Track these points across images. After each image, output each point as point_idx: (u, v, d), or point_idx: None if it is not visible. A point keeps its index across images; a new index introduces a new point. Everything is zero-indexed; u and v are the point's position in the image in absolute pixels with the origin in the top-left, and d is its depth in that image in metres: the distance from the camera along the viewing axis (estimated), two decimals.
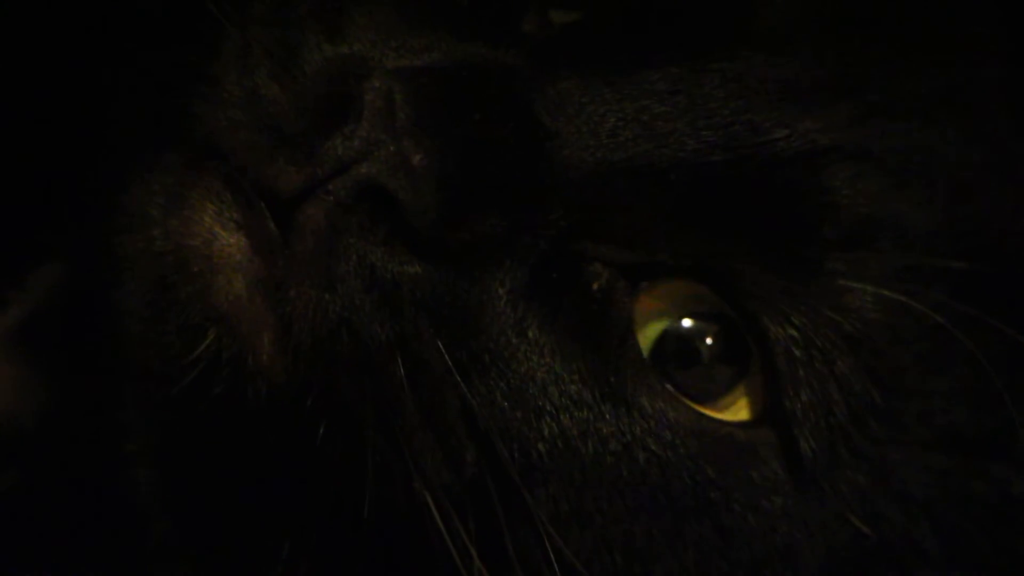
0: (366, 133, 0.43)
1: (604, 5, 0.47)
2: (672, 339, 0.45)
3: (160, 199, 0.45)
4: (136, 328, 0.46)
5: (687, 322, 0.45)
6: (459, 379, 0.43)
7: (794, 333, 0.44)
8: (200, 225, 0.44)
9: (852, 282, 0.45)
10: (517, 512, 0.43)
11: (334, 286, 0.43)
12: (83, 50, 0.52)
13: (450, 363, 0.43)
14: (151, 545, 0.48)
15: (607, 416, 0.44)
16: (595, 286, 0.44)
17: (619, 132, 0.45)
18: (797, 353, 0.44)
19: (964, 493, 0.46)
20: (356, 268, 0.43)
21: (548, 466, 0.43)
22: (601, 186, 0.44)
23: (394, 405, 0.43)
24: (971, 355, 0.45)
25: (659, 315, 0.45)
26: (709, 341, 0.45)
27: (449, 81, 0.44)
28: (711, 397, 0.45)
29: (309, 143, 0.43)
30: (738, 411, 0.45)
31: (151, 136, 0.47)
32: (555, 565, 0.43)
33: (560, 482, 0.43)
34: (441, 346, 0.43)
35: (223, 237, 0.44)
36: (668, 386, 0.45)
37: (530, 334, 0.44)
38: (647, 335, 0.45)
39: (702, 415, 0.44)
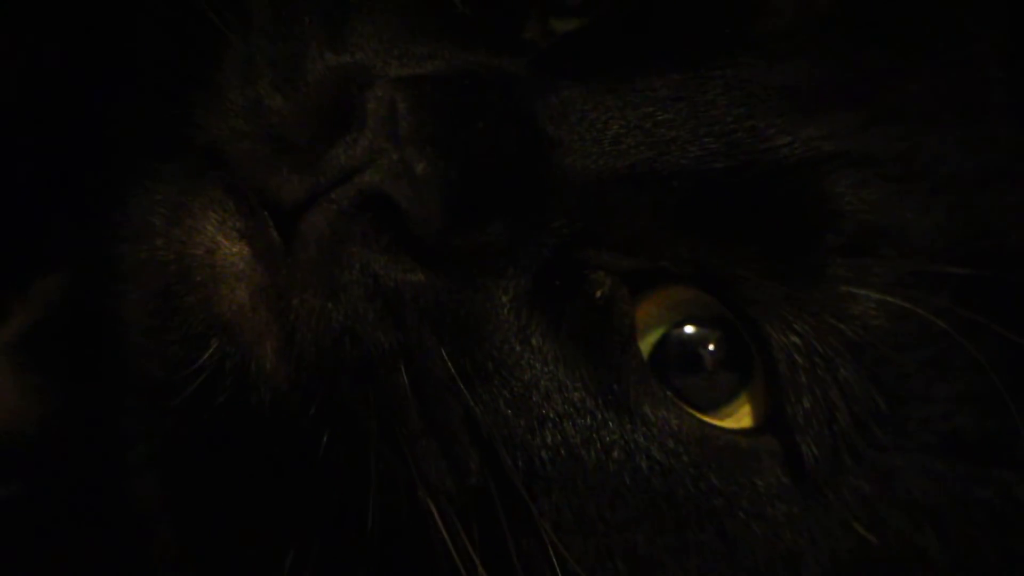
0: (369, 142, 0.43)
1: (605, 13, 0.47)
2: (674, 345, 0.45)
3: (163, 208, 0.45)
4: (139, 337, 0.46)
5: (689, 328, 0.45)
6: (463, 387, 0.43)
7: (796, 340, 0.44)
8: (203, 234, 0.44)
9: (855, 288, 0.45)
10: (521, 520, 0.43)
11: (337, 294, 0.43)
12: (86, 60, 0.52)
13: (453, 371, 0.43)
14: (154, 554, 0.48)
15: (610, 424, 0.44)
16: (598, 294, 0.44)
17: (622, 140, 0.45)
18: (799, 360, 0.44)
19: (968, 499, 0.46)
20: (359, 276, 0.43)
21: (551, 474, 0.43)
22: (604, 194, 0.44)
23: (398, 413, 0.43)
24: (974, 360, 0.45)
25: (659, 321, 0.46)
26: (712, 347, 0.45)
27: (452, 89, 0.44)
28: (714, 404, 0.45)
29: (312, 152, 0.43)
30: (741, 418, 0.45)
31: (154, 146, 0.47)
32: (559, 573, 0.43)
33: (563, 490, 0.43)
34: (444, 354, 0.43)
35: (226, 246, 0.44)
36: (670, 394, 0.45)
37: (533, 342, 0.44)
38: (648, 341, 0.45)
39: (704, 423, 0.44)
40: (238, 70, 0.45)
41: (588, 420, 0.44)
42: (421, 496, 0.42)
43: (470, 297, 0.43)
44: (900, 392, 0.45)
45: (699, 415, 0.45)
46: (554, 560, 0.42)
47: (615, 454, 0.43)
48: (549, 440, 0.43)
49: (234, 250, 0.44)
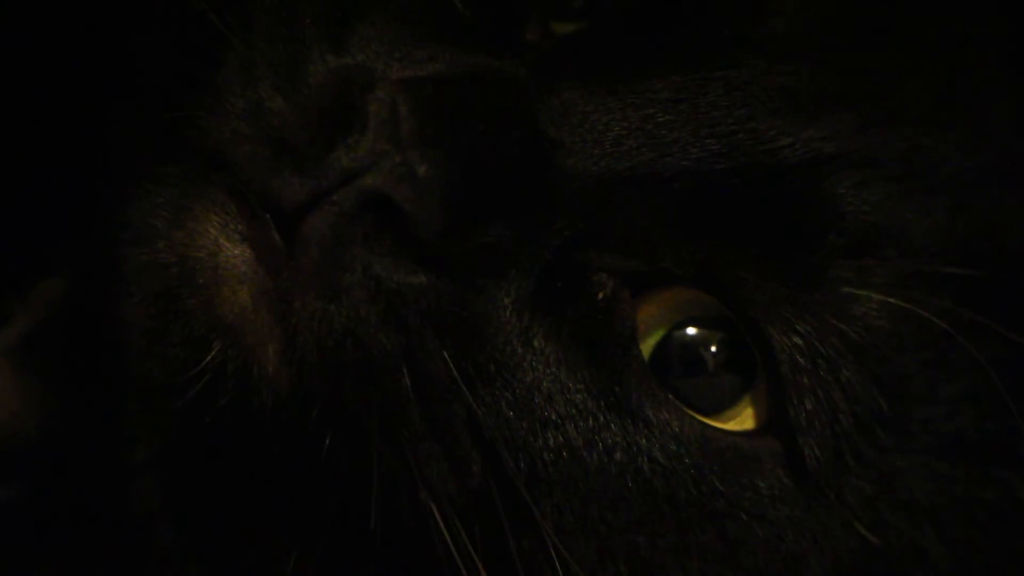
0: (371, 144, 0.43)
1: (606, 15, 0.47)
2: (676, 347, 0.45)
3: (164, 211, 0.45)
4: (141, 340, 0.46)
5: (691, 330, 0.45)
6: (465, 389, 0.43)
7: (798, 341, 0.44)
8: (205, 237, 0.44)
9: (857, 290, 0.45)
10: (522, 522, 0.43)
11: (339, 297, 0.43)
12: (87, 63, 0.52)
13: (456, 373, 0.43)
14: (155, 556, 0.48)
15: (612, 426, 0.44)
16: (599, 296, 0.44)
17: (623, 141, 0.45)
18: (801, 361, 0.44)
19: (970, 499, 0.46)
20: (361, 279, 0.43)
21: (553, 476, 0.43)
22: (605, 195, 0.44)
23: (400, 415, 0.43)
24: (976, 361, 0.45)
25: (660, 322, 0.46)
26: (713, 349, 0.45)
27: (453, 92, 0.44)
28: (716, 406, 0.45)
29: (314, 154, 0.43)
30: (743, 421, 0.45)
31: (155, 148, 0.47)
32: (560, 575, 0.43)
33: (565, 492, 0.43)
34: (447, 356, 0.43)
35: (228, 249, 0.44)
36: (671, 396, 0.45)
37: (535, 344, 0.44)
38: (649, 343, 0.46)
39: (706, 425, 0.44)
40: (239, 72, 0.45)
41: (590, 422, 0.44)
42: (423, 498, 0.43)
43: (472, 299, 0.43)
44: (902, 393, 0.45)
45: (700, 417, 0.45)
46: (556, 562, 0.43)
47: (617, 456, 0.43)
48: (551, 442, 0.43)
49: (236, 253, 0.44)
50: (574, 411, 0.44)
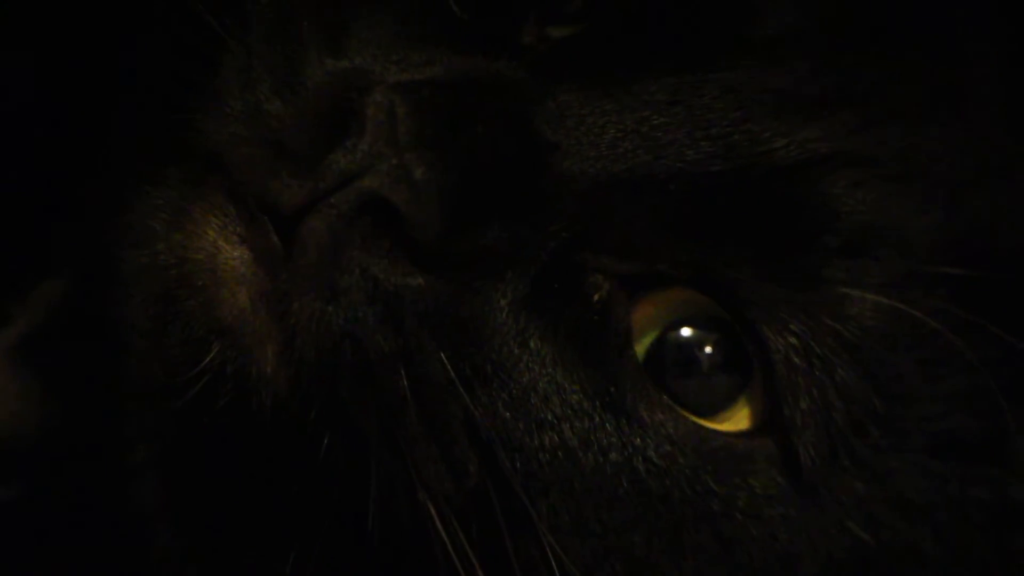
0: (368, 146, 0.43)
1: (602, 18, 0.47)
2: (672, 348, 0.45)
3: (163, 213, 0.45)
4: (140, 341, 0.46)
5: (686, 331, 0.46)
6: (462, 390, 0.43)
7: (794, 341, 0.45)
8: (203, 239, 0.44)
9: (851, 290, 0.45)
10: (519, 522, 0.43)
11: (337, 298, 0.43)
12: (85, 65, 0.52)
13: (453, 374, 0.43)
14: (154, 556, 0.48)
15: (607, 427, 0.44)
16: (595, 297, 0.45)
17: (619, 143, 0.45)
18: (797, 361, 0.45)
19: (962, 497, 0.46)
20: (359, 280, 0.43)
21: (549, 476, 0.43)
22: (601, 197, 0.45)
23: (397, 416, 0.43)
24: (969, 361, 0.45)
25: (655, 323, 0.46)
26: (708, 350, 0.46)
27: (450, 94, 0.44)
28: (712, 407, 0.45)
29: (312, 157, 0.43)
30: (738, 421, 0.45)
31: (154, 151, 0.47)
32: (556, 574, 0.43)
33: (561, 492, 0.44)
34: (444, 357, 0.43)
35: (226, 250, 0.44)
36: (665, 397, 0.45)
37: (532, 345, 0.44)
38: (644, 343, 0.46)
39: (700, 426, 0.45)
40: (237, 75, 0.45)
41: (586, 423, 0.44)
42: (421, 498, 0.43)
43: (469, 300, 0.44)
44: (896, 392, 0.45)
45: (694, 418, 0.45)
46: (552, 561, 0.43)
47: (612, 456, 0.44)
48: (547, 442, 0.44)
49: (235, 254, 0.44)
50: (570, 412, 0.44)
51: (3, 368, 0.52)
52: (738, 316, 0.45)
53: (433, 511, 0.43)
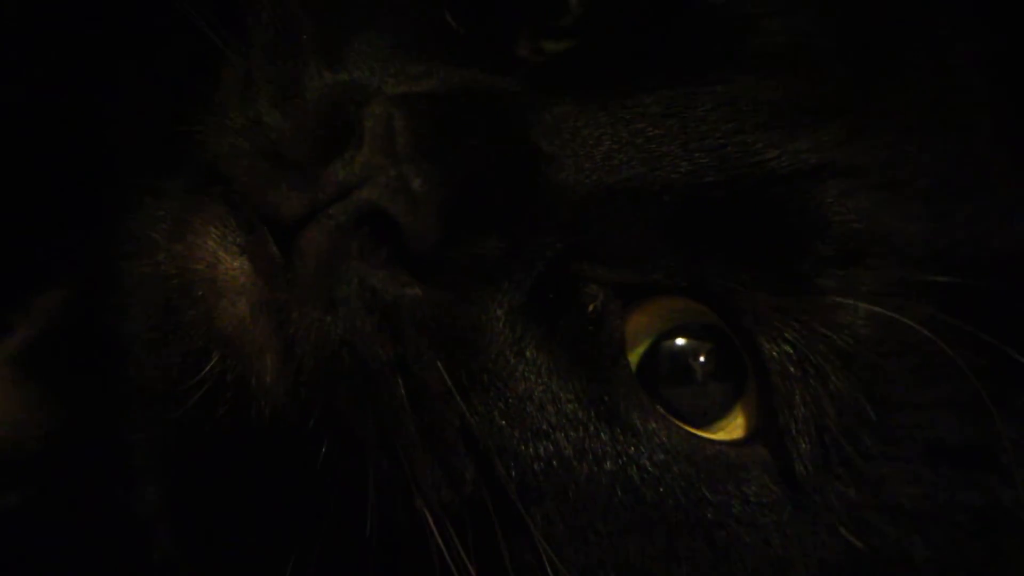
0: (366, 158, 0.43)
1: (596, 33, 0.48)
2: (666, 357, 0.46)
3: (164, 224, 0.46)
4: (141, 351, 0.46)
5: (680, 340, 0.46)
6: (459, 399, 0.43)
7: (789, 350, 0.45)
8: (204, 249, 0.44)
9: (844, 298, 0.45)
10: (515, 529, 0.43)
11: (335, 308, 0.43)
12: (88, 78, 0.52)
13: (450, 383, 0.43)
14: (155, 563, 0.49)
15: (602, 436, 0.44)
16: (590, 308, 0.45)
17: (614, 155, 0.45)
18: (792, 370, 0.45)
19: (953, 503, 0.46)
20: (357, 290, 0.43)
21: (544, 484, 0.44)
22: (597, 208, 0.45)
23: (395, 424, 0.43)
24: (959, 368, 0.45)
25: (649, 331, 0.46)
26: (702, 359, 0.46)
27: (447, 107, 0.44)
28: (706, 416, 0.46)
29: (310, 168, 0.44)
30: (733, 430, 0.46)
31: (155, 163, 0.48)
32: None
33: (556, 500, 0.44)
34: (441, 366, 0.43)
35: (226, 261, 0.44)
36: (659, 407, 0.45)
37: (528, 354, 0.44)
38: (638, 352, 0.46)
39: (693, 435, 0.45)
40: (238, 88, 0.46)
41: (580, 432, 0.44)
42: (418, 505, 0.43)
43: (466, 310, 0.44)
44: (888, 400, 0.46)
45: (687, 427, 0.45)
46: (548, 568, 0.43)
47: (607, 465, 0.44)
48: (542, 451, 0.44)
49: (235, 265, 0.44)
50: (565, 421, 0.44)
51: (5, 377, 0.52)
52: (733, 325, 0.46)
53: (430, 518, 0.43)
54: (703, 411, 0.46)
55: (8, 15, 0.52)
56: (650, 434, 0.44)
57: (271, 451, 0.44)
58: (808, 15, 0.48)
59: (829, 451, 0.45)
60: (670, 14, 0.47)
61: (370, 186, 0.43)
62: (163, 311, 0.45)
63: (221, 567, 0.47)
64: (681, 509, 0.44)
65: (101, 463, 0.50)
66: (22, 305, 0.53)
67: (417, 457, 0.43)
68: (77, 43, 0.52)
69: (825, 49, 0.48)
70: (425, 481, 0.43)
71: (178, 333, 0.44)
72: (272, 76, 0.45)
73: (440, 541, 0.43)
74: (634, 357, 0.46)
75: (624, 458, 0.44)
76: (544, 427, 0.44)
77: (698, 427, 0.45)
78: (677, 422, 0.45)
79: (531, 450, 0.44)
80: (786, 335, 0.45)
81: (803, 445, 0.45)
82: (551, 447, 0.44)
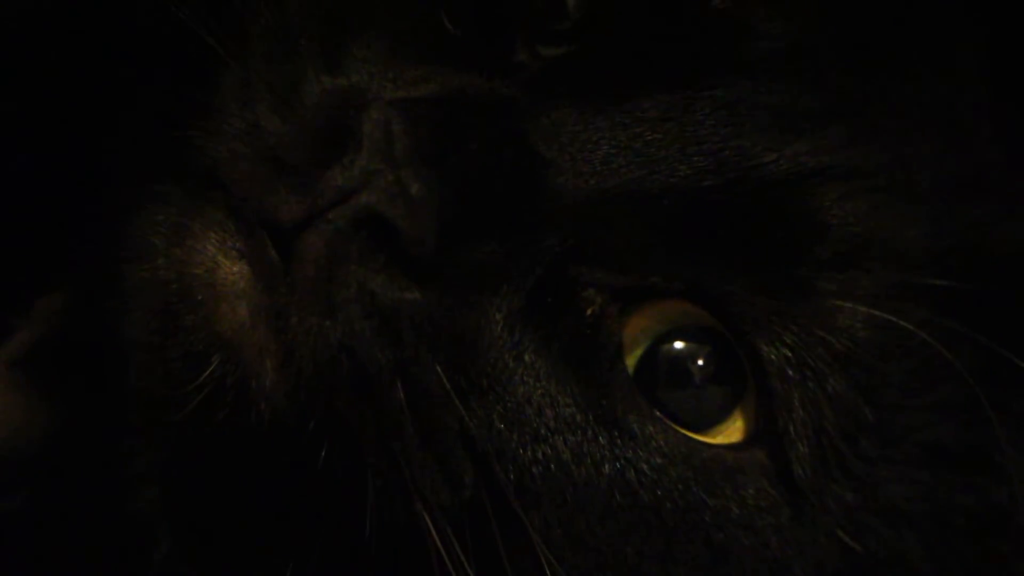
0: (365, 163, 0.43)
1: (594, 38, 0.48)
2: (664, 361, 0.46)
3: (164, 229, 0.46)
4: (141, 355, 0.46)
5: (679, 344, 0.46)
6: (457, 402, 0.43)
7: (788, 353, 0.45)
8: (203, 254, 0.45)
9: (842, 301, 0.46)
10: (513, 532, 0.43)
11: (335, 313, 0.43)
12: (87, 83, 0.52)
13: (449, 387, 0.43)
14: (155, 565, 0.49)
15: (600, 440, 0.45)
16: (588, 312, 0.45)
17: (612, 159, 0.45)
18: (791, 373, 0.45)
19: (949, 505, 0.47)
20: (356, 295, 0.43)
21: (543, 488, 0.44)
22: (595, 212, 0.45)
23: (394, 428, 0.43)
24: (956, 371, 0.46)
25: (647, 334, 0.46)
26: (700, 362, 0.46)
27: (446, 111, 0.45)
28: (704, 419, 0.46)
29: (309, 173, 0.44)
30: (731, 434, 0.46)
31: (154, 168, 0.48)
32: None
33: (554, 503, 0.44)
34: (440, 370, 0.43)
35: (226, 266, 0.44)
36: (656, 411, 0.45)
37: (526, 358, 0.45)
38: (636, 355, 0.46)
39: (690, 439, 0.45)
40: (236, 94, 0.46)
41: (578, 435, 0.44)
42: (417, 508, 0.43)
43: (465, 314, 0.44)
44: (886, 402, 0.46)
45: (684, 431, 0.45)
46: (546, 571, 0.43)
47: (605, 468, 0.44)
48: (540, 455, 0.44)
49: (234, 269, 0.44)
50: (563, 424, 0.44)
51: (6, 380, 0.53)
52: (732, 328, 0.46)
53: (429, 521, 0.43)
54: (702, 415, 0.46)
55: (9, 22, 0.52)
56: (647, 438, 0.45)
57: (271, 454, 0.44)
58: (807, 20, 0.48)
59: (827, 453, 0.45)
60: (669, 19, 0.47)
61: (369, 191, 0.43)
62: (163, 315, 0.45)
63: (221, 569, 0.47)
64: (679, 512, 0.44)
65: (101, 466, 0.50)
66: (23, 308, 0.53)
67: (416, 460, 0.43)
68: (78, 49, 0.53)
69: (823, 54, 0.48)
70: (424, 484, 0.43)
71: (178, 337, 0.45)
72: (271, 81, 0.46)
73: (439, 543, 0.43)
74: (632, 360, 0.46)
75: (622, 462, 0.44)
76: (542, 431, 0.44)
77: (697, 430, 0.46)
78: (674, 426, 0.45)
79: (529, 453, 0.44)
80: (785, 338, 0.45)
81: (801, 448, 0.45)
82: (549, 450, 0.44)
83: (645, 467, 0.44)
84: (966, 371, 0.46)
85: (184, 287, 0.45)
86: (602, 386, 0.45)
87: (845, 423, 0.45)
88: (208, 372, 0.44)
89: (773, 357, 0.45)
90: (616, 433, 0.45)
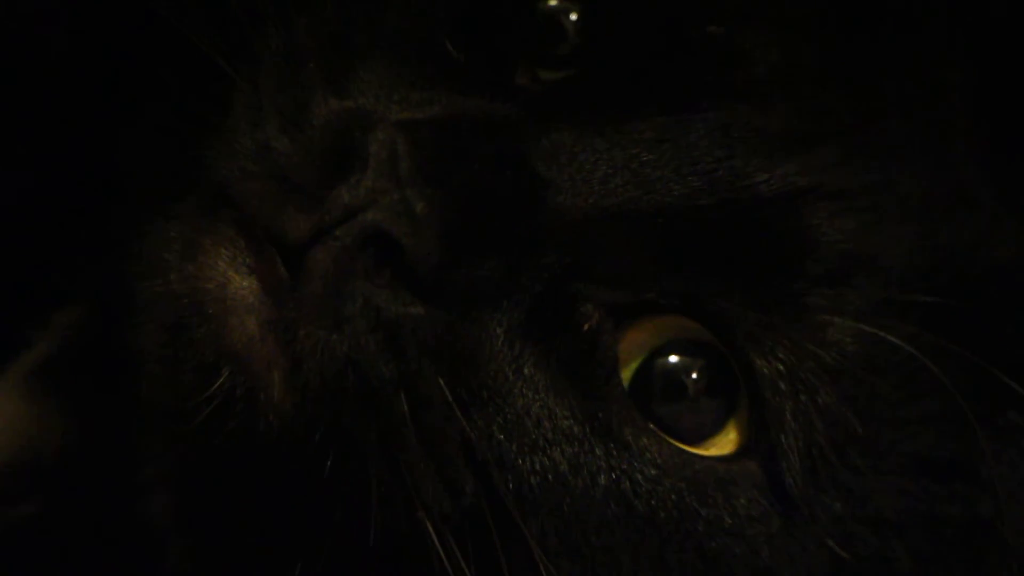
0: (371, 182, 0.44)
1: (592, 62, 0.49)
2: (659, 374, 0.47)
3: (176, 245, 0.47)
4: (154, 367, 0.47)
5: (673, 358, 0.47)
6: (459, 414, 0.44)
7: (780, 367, 0.46)
8: (214, 269, 0.45)
9: (832, 316, 0.47)
10: (513, 540, 0.44)
11: (341, 327, 0.44)
12: (102, 103, 0.53)
13: (451, 399, 0.44)
14: (166, 572, 0.49)
15: (596, 451, 0.45)
16: (585, 327, 0.46)
17: (610, 179, 0.46)
18: (783, 386, 0.46)
19: (935, 516, 0.48)
20: (362, 309, 0.44)
21: (540, 497, 0.45)
22: (593, 230, 0.46)
23: (397, 439, 0.44)
24: (941, 384, 0.46)
25: (642, 348, 0.47)
26: (695, 376, 0.47)
27: (449, 133, 0.45)
28: (699, 432, 0.47)
29: (317, 192, 0.45)
30: (724, 446, 0.47)
31: (167, 186, 0.48)
32: None
33: (551, 513, 0.45)
34: (442, 383, 0.44)
35: (236, 281, 0.45)
36: (650, 424, 0.46)
37: (526, 371, 0.45)
38: (631, 368, 0.47)
39: (683, 451, 0.46)
40: (247, 114, 0.47)
41: (575, 447, 0.45)
42: (419, 516, 0.44)
43: (467, 329, 0.45)
44: (874, 415, 0.47)
45: (678, 444, 0.46)
46: None
47: (601, 480, 0.45)
48: (538, 465, 0.45)
49: (244, 284, 0.45)
50: (560, 436, 0.45)
51: (24, 391, 0.53)
52: (727, 342, 0.47)
53: (431, 529, 0.44)
54: (696, 427, 0.47)
55: (29, 43, 0.53)
56: (642, 450, 0.45)
57: (278, 464, 0.45)
58: (798, 45, 0.49)
59: (817, 465, 0.46)
60: (665, 44, 0.48)
61: (374, 209, 0.44)
62: (175, 328, 0.46)
63: (230, 573, 0.48)
64: (673, 522, 0.45)
65: (114, 475, 0.50)
66: (41, 321, 0.54)
67: (419, 470, 0.44)
68: (93, 69, 0.53)
69: (813, 78, 0.49)
70: (426, 493, 0.44)
71: (189, 350, 0.45)
72: (280, 102, 0.46)
73: (441, 551, 0.44)
74: (628, 372, 0.47)
75: (617, 473, 0.45)
76: (540, 442, 0.45)
77: (691, 442, 0.46)
78: (668, 438, 0.46)
79: (528, 464, 0.45)
80: (778, 353, 0.46)
81: (793, 459, 0.46)
82: (547, 461, 0.45)
83: (640, 478, 0.45)
84: (952, 385, 0.46)
85: (195, 301, 0.45)
86: (599, 399, 0.46)
87: (835, 435, 0.46)
88: (218, 384, 0.45)
89: (767, 371, 0.46)
90: (612, 445, 0.45)
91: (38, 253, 0.54)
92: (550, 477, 0.45)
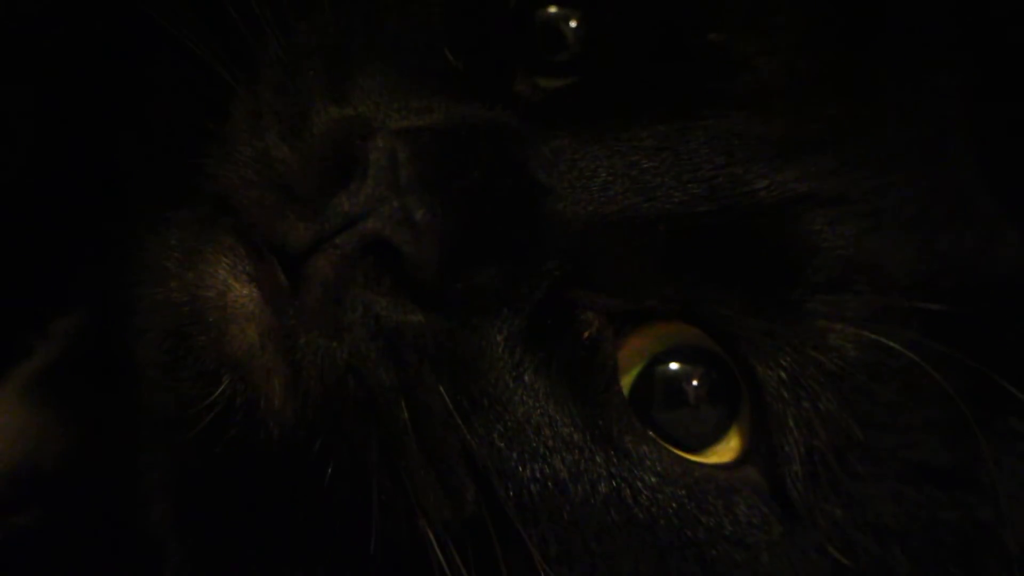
0: (371, 190, 0.44)
1: (592, 70, 0.49)
2: (659, 382, 0.47)
3: (177, 253, 0.47)
4: (154, 375, 0.47)
5: (673, 365, 0.47)
6: (460, 422, 0.44)
7: (782, 374, 0.46)
8: (215, 278, 0.45)
9: (833, 323, 0.47)
10: (514, 547, 0.44)
11: (341, 334, 0.44)
12: (103, 111, 0.53)
13: (451, 406, 0.44)
14: None
15: (596, 459, 0.45)
16: (585, 335, 0.46)
17: (610, 187, 0.46)
18: (786, 394, 0.46)
19: (936, 522, 0.48)
20: (362, 317, 0.44)
21: (540, 504, 0.45)
22: (593, 237, 0.46)
23: (398, 446, 0.44)
24: (943, 390, 0.47)
25: (643, 355, 0.47)
26: (695, 383, 0.47)
27: (449, 140, 0.45)
28: (700, 439, 0.47)
29: (317, 200, 0.45)
30: (724, 453, 0.47)
31: (168, 194, 0.48)
32: None
33: (552, 520, 0.45)
34: (443, 390, 0.44)
35: (236, 289, 0.45)
36: (650, 432, 0.46)
37: (526, 379, 0.46)
38: (631, 375, 0.47)
39: (683, 459, 0.46)
40: (247, 122, 0.47)
41: (576, 455, 0.45)
42: (420, 524, 0.44)
43: (467, 337, 0.45)
44: (875, 421, 0.47)
45: (677, 451, 0.46)
46: None
47: (601, 487, 0.45)
48: (539, 473, 0.45)
49: (244, 292, 0.45)
50: (561, 444, 0.45)
51: (24, 399, 0.53)
52: (729, 349, 0.47)
53: (432, 536, 0.44)
54: (697, 434, 0.47)
55: (31, 51, 0.53)
56: (642, 457, 0.45)
57: (279, 471, 0.45)
58: (797, 54, 0.49)
59: (819, 471, 0.46)
60: (665, 52, 0.48)
61: (374, 217, 0.44)
62: (175, 336, 0.46)
63: None
64: (673, 529, 0.45)
65: (115, 482, 0.50)
66: (40, 329, 0.54)
67: (419, 477, 0.44)
68: (93, 77, 0.53)
69: (812, 86, 0.49)
70: (427, 500, 0.44)
71: (190, 357, 0.45)
72: (280, 110, 0.46)
73: (442, 558, 0.44)
74: (628, 380, 0.47)
75: (617, 480, 0.45)
76: (541, 450, 0.45)
77: (692, 450, 0.46)
78: (667, 446, 0.46)
79: (528, 471, 0.45)
80: (780, 359, 0.46)
81: (795, 466, 0.46)
82: (547, 469, 0.45)
83: (640, 486, 0.45)
84: (953, 391, 0.47)
85: (196, 309, 0.45)
86: (599, 406, 0.46)
87: (836, 440, 0.46)
88: (218, 391, 0.45)
89: (769, 377, 0.46)
90: (612, 452, 0.45)
91: (38, 261, 0.54)
92: (550, 485, 0.45)
